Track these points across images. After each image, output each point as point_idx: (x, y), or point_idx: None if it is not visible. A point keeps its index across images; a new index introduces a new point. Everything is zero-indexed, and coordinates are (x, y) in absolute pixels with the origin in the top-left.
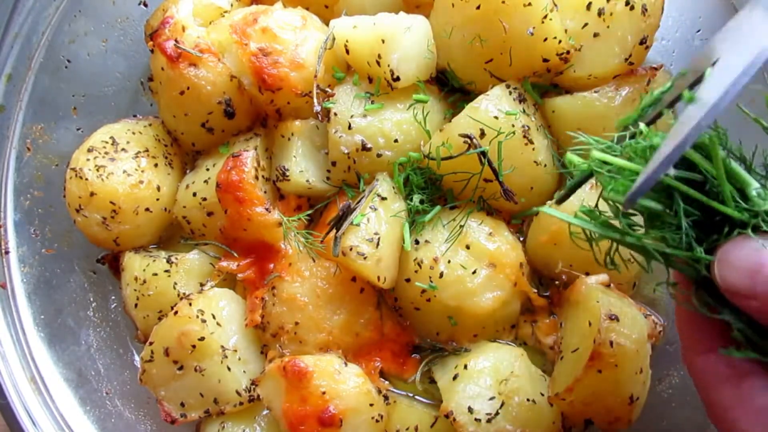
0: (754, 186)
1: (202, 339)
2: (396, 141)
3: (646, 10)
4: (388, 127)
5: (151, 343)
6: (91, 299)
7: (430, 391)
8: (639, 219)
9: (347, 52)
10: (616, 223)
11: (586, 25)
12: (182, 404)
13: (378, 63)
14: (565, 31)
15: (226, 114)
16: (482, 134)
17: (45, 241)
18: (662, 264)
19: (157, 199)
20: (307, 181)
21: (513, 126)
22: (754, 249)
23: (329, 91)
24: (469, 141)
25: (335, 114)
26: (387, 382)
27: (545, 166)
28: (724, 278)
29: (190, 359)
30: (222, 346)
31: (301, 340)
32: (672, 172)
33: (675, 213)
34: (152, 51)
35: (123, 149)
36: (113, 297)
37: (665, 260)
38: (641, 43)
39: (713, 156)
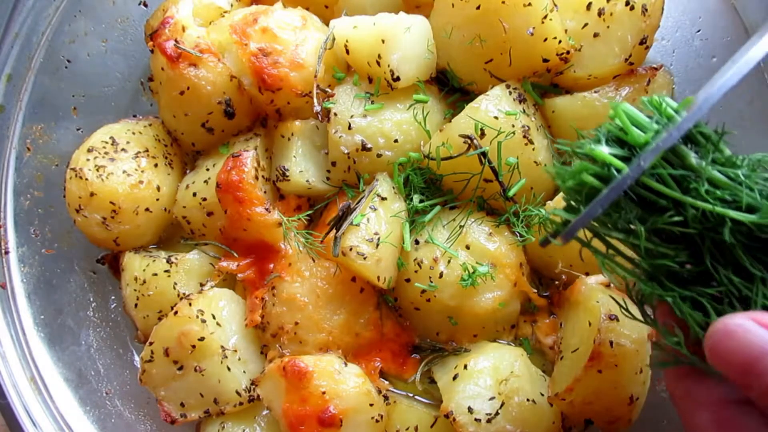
0: (691, 156)
1: (202, 339)
2: (396, 141)
3: (646, 10)
4: (388, 127)
5: (151, 343)
6: (91, 299)
7: (430, 391)
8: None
9: (347, 52)
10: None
11: (586, 25)
12: (182, 404)
13: (378, 63)
14: (565, 31)
15: (226, 114)
16: (482, 134)
17: (45, 241)
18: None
19: (157, 199)
20: (307, 181)
21: (513, 126)
22: (744, 341)
23: (329, 91)
24: (469, 141)
25: (335, 114)
26: (387, 382)
27: (545, 166)
28: (717, 367)
29: (190, 359)
30: (222, 346)
31: (301, 340)
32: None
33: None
34: (152, 51)
35: (123, 149)
36: (113, 297)
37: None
38: (641, 43)
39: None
